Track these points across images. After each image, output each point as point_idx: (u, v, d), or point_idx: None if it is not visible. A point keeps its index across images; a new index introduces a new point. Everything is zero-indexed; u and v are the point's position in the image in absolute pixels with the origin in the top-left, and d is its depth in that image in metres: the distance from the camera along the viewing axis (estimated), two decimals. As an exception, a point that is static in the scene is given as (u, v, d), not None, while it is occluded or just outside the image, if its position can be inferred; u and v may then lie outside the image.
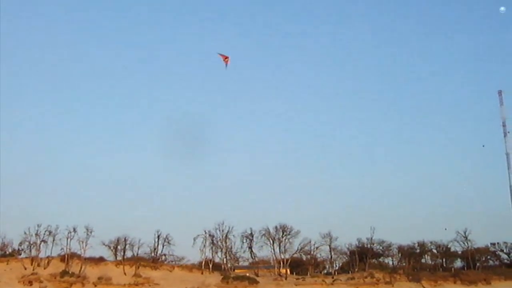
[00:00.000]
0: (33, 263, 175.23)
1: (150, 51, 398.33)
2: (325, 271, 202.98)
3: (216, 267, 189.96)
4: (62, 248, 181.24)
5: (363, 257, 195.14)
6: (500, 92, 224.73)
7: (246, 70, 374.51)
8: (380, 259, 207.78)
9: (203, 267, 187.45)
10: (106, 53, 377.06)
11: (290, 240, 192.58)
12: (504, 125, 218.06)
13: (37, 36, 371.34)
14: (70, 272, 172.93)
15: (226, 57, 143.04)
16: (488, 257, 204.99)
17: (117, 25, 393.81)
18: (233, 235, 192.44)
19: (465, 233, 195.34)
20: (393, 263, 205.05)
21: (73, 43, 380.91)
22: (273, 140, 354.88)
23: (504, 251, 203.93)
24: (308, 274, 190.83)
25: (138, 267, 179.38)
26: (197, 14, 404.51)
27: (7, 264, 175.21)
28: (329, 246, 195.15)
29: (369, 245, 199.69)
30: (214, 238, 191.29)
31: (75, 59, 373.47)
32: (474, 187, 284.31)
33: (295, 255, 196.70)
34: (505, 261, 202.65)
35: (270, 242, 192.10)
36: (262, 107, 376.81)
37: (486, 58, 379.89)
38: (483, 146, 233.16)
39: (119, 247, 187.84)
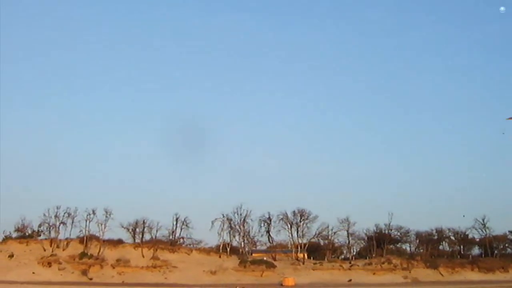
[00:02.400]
0: (52, 244, 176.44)
1: (151, 48, 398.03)
2: (343, 256, 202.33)
3: (234, 251, 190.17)
4: (81, 230, 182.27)
5: (380, 242, 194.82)
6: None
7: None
8: (398, 245, 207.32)
9: (220, 250, 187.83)
10: (106, 52, 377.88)
11: (308, 224, 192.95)
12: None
13: (37, 36, 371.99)
14: (88, 254, 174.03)
15: None
16: (506, 244, 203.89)
17: (117, 24, 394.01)
18: (251, 219, 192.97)
19: (483, 220, 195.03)
20: (410, 249, 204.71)
21: (73, 43, 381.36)
22: (294, 130, 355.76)
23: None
24: (326, 259, 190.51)
25: (156, 250, 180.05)
26: (198, 11, 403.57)
27: (27, 245, 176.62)
28: (347, 231, 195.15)
29: (387, 231, 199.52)
30: (232, 222, 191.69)
31: (75, 58, 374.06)
32: (493, 174, 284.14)
33: (312, 240, 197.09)
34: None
35: (288, 226, 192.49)
36: (281, 98, 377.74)
37: (488, 46, 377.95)
38: (503, 133, 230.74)
39: (137, 229, 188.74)
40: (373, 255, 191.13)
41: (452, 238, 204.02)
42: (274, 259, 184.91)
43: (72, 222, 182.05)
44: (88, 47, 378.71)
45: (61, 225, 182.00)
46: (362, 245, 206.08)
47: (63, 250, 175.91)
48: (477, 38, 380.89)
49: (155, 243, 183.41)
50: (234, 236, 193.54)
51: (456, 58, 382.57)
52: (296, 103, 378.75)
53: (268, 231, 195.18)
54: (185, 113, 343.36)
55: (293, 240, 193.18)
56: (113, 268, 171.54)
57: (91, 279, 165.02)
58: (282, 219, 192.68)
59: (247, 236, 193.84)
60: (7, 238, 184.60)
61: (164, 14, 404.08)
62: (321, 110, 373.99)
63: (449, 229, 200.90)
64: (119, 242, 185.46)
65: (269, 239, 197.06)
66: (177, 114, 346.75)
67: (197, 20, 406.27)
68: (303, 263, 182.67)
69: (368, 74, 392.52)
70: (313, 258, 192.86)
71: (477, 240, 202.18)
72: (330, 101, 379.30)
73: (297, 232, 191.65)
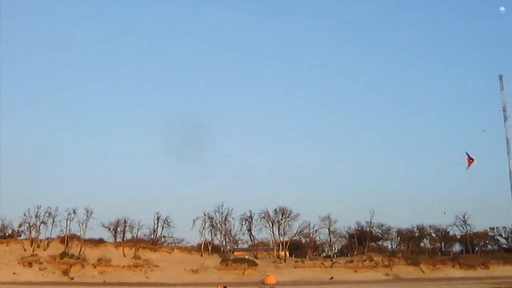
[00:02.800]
0: (33, 244, 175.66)
1: (151, 47, 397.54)
2: (324, 254, 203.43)
3: (215, 249, 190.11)
4: (61, 230, 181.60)
5: (362, 240, 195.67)
6: (501, 77, 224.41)
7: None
8: (379, 243, 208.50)
9: (202, 249, 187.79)
10: (106, 52, 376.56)
11: (290, 223, 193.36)
12: (504, 110, 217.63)
13: (36, 34, 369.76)
14: (69, 254, 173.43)
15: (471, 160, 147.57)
16: (487, 241, 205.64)
17: (117, 24, 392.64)
18: (233, 218, 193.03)
19: (464, 217, 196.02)
20: (392, 247, 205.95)
21: (72, 41, 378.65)
22: (273, 126, 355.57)
23: (503, 235, 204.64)
24: (307, 257, 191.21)
25: (138, 249, 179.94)
26: (199, 9, 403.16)
27: (7, 245, 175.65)
28: (328, 229, 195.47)
29: (368, 229, 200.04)
30: (213, 221, 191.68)
31: (75, 58, 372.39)
32: (473, 171, 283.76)
33: (294, 238, 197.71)
34: (504, 245, 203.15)
35: (269, 224, 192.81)
36: (261, 93, 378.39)
37: (487, 43, 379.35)
38: (483, 130, 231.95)
39: (118, 229, 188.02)
40: (355, 253, 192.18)
41: (433, 235, 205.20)
42: (256, 258, 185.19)
43: (53, 222, 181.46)
44: (87, 46, 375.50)
45: (42, 224, 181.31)
46: (343, 243, 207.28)
47: (44, 250, 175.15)
48: (477, 37, 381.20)
49: (136, 242, 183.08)
50: (215, 235, 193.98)
51: (454, 57, 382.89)
52: (284, 101, 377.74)
53: (249, 230, 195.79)
54: (170, 111, 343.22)
55: (274, 238, 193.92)
56: (95, 267, 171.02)
57: (72, 278, 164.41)
58: (263, 217, 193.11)
59: (229, 235, 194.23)
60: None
61: (163, 13, 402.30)
62: (303, 106, 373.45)
63: (430, 226, 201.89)
64: (100, 241, 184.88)
65: (250, 238, 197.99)
66: (163, 112, 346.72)
67: (197, 19, 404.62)
68: (285, 261, 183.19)
69: (361, 71, 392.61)
70: (295, 256, 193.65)
71: (458, 237, 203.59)
72: (314, 96, 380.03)
73: (279, 230, 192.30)
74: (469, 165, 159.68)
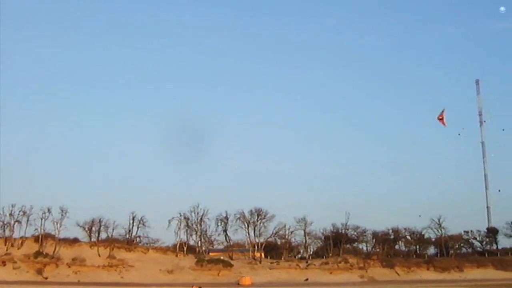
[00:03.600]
0: (7, 243, 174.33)
1: (151, 48, 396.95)
2: (300, 256, 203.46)
3: (191, 250, 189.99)
4: (36, 229, 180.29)
5: (337, 242, 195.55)
6: (477, 81, 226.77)
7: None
8: (355, 245, 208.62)
9: (177, 249, 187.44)
10: (106, 51, 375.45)
11: (265, 224, 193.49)
12: (480, 114, 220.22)
13: (37, 35, 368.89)
14: (44, 253, 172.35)
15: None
16: (461, 244, 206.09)
17: (117, 24, 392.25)
18: (208, 218, 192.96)
19: (439, 220, 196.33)
20: (367, 249, 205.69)
21: (72, 42, 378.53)
22: (253, 129, 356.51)
23: (477, 239, 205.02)
24: (283, 258, 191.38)
25: (113, 249, 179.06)
26: (199, 11, 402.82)
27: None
28: (304, 230, 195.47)
29: (343, 231, 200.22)
30: (189, 221, 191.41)
31: (75, 57, 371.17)
32: (449, 175, 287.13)
33: (269, 239, 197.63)
34: (478, 249, 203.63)
35: (245, 225, 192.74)
36: (243, 94, 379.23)
37: (464, 47, 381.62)
38: (459, 134, 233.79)
39: (93, 228, 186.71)
40: (330, 255, 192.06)
41: (408, 237, 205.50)
42: (231, 259, 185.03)
43: (27, 221, 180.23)
44: (87, 47, 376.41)
45: (16, 223, 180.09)
46: (319, 245, 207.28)
47: (18, 249, 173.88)
48: (476, 37, 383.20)
49: (111, 242, 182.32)
50: (191, 235, 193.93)
51: (451, 58, 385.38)
52: (259, 100, 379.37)
53: (225, 230, 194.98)
54: (156, 111, 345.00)
55: (250, 240, 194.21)
56: (69, 267, 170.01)
57: (46, 278, 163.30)
58: (239, 218, 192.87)
59: (204, 235, 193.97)
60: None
61: (164, 14, 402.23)
62: (282, 109, 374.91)
63: (405, 229, 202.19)
64: (75, 241, 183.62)
65: (226, 239, 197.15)
66: (148, 112, 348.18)
67: (197, 20, 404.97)
68: (260, 262, 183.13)
69: (343, 73, 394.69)
70: (270, 258, 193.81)
71: (433, 239, 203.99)
72: (294, 99, 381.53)
73: (254, 231, 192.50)
74: (442, 122, 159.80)
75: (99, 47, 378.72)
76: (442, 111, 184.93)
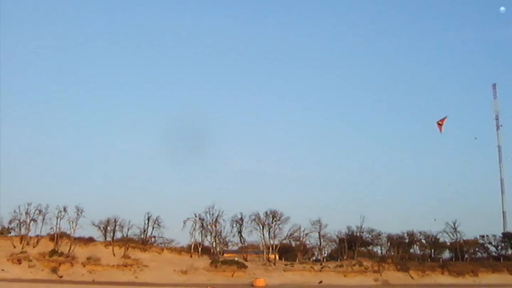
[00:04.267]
0: (22, 241, 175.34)
1: (151, 48, 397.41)
2: (314, 258, 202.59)
3: (205, 250, 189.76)
4: (51, 228, 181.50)
5: (352, 245, 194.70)
6: (494, 86, 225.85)
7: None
8: (369, 248, 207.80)
9: (192, 250, 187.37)
10: (106, 50, 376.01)
11: (280, 226, 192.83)
12: (497, 118, 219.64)
13: (37, 35, 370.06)
14: (59, 252, 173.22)
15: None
16: (477, 249, 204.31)
17: (117, 24, 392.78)
18: (223, 219, 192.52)
19: (454, 224, 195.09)
20: (381, 252, 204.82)
21: (73, 41, 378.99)
22: (267, 131, 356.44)
23: (493, 243, 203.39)
24: (297, 260, 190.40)
25: (127, 249, 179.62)
26: (199, 11, 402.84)
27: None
28: (319, 233, 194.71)
29: (358, 233, 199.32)
30: (204, 222, 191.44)
31: (76, 56, 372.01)
32: (465, 179, 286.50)
33: (284, 241, 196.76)
34: (493, 253, 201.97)
35: (259, 227, 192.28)
36: (257, 97, 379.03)
37: (481, 52, 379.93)
38: (475, 138, 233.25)
39: (109, 228, 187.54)
40: (344, 257, 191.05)
41: (423, 241, 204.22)
42: (246, 260, 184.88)
43: (43, 219, 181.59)
44: (87, 46, 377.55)
45: (32, 222, 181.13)
46: (333, 247, 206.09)
47: (33, 247, 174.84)
48: (472, 46, 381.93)
49: (126, 241, 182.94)
50: (205, 236, 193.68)
51: (449, 65, 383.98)
52: (278, 102, 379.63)
53: (240, 232, 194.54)
54: (167, 113, 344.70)
55: (264, 241, 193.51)
56: (84, 266, 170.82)
57: (61, 277, 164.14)
58: (254, 220, 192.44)
59: (219, 236, 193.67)
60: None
61: (164, 15, 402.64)
62: (296, 111, 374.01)
63: (420, 233, 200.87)
64: (90, 240, 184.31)
65: (240, 240, 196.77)
66: (159, 114, 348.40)
67: (197, 22, 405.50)
68: (274, 264, 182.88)
69: (357, 77, 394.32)
70: (285, 260, 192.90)
71: (448, 244, 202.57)
72: (307, 102, 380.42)
73: (269, 233, 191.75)
74: (440, 127, 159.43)
75: (100, 48, 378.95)
76: (444, 118, 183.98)
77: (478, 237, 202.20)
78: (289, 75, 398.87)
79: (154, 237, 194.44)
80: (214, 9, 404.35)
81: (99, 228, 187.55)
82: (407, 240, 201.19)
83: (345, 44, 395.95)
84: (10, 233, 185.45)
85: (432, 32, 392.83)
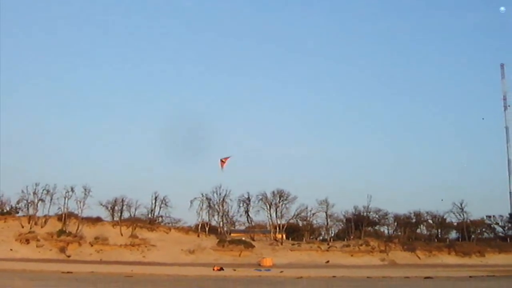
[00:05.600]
0: (30, 221, 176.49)
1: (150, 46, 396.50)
2: (321, 238, 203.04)
3: (212, 230, 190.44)
4: (59, 208, 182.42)
5: (359, 225, 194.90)
6: (502, 66, 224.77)
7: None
8: (376, 228, 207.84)
9: (199, 230, 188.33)
10: (106, 49, 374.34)
11: (287, 205, 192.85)
12: (504, 99, 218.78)
13: (37, 32, 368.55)
14: (67, 232, 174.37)
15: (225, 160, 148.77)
16: (483, 229, 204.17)
17: (119, 23, 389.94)
18: (230, 199, 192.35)
19: (461, 204, 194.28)
20: (388, 232, 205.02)
21: (73, 40, 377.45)
22: (275, 110, 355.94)
23: (499, 224, 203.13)
24: (304, 240, 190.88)
25: (135, 228, 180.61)
26: (198, 11, 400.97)
27: (5, 222, 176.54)
28: (326, 213, 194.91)
29: (365, 213, 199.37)
30: (211, 202, 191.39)
31: (76, 55, 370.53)
32: (472, 159, 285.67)
33: (291, 221, 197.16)
34: (500, 234, 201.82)
35: (266, 207, 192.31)
36: (265, 79, 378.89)
37: (488, 31, 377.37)
38: (483, 119, 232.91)
39: (116, 207, 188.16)
40: (351, 237, 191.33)
41: (430, 221, 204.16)
42: (253, 240, 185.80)
43: (51, 199, 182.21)
44: (88, 45, 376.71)
45: (40, 202, 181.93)
46: (340, 227, 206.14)
47: (41, 227, 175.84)
48: (477, 25, 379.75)
49: (133, 221, 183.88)
50: (213, 216, 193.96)
51: (454, 45, 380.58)
52: (280, 83, 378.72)
53: (247, 211, 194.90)
54: (172, 93, 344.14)
55: (271, 221, 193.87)
56: (91, 246, 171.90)
57: (69, 256, 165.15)
58: (261, 199, 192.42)
59: (226, 216, 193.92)
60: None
61: (164, 10, 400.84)
62: (302, 91, 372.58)
63: (427, 213, 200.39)
64: (98, 220, 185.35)
65: (248, 219, 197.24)
66: (165, 100, 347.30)
67: (197, 15, 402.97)
68: (281, 244, 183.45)
69: (358, 57, 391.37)
70: (292, 239, 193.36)
71: (455, 224, 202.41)
72: (312, 81, 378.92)
73: (276, 213, 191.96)
74: (222, 165, 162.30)
75: (100, 46, 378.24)
76: (228, 157, 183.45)
77: (485, 217, 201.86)
78: (292, 59, 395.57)
79: (161, 216, 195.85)
80: (215, 8, 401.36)
81: (107, 208, 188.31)
82: (414, 220, 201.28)
83: (348, 27, 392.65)
84: (18, 213, 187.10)
85: (439, 12, 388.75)
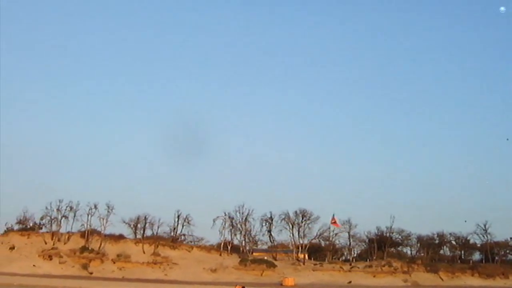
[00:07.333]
0: (54, 238, 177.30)
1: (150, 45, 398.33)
2: (343, 258, 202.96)
3: (235, 249, 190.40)
4: (82, 224, 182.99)
5: (381, 245, 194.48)
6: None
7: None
8: (399, 248, 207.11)
9: (221, 248, 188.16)
10: (106, 49, 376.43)
11: (310, 225, 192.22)
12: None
13: (36, 31, 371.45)
14: (89, 248, 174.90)
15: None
16: (507, 251, 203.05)
17: (119, 21, 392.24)
18: (253, 218, 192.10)
19: (485, 226, 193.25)
20: (411, 253, 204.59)
21: (73, 39, 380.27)
22: (297, 129, 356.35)
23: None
24: (326, 260, 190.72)
25: (157, 246, 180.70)
26: (202, 9, 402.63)
27: (28, 238, 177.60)
28: (348, 233, 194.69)
29: (388, 234, 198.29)
30: (233, 220, 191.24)
31: (76, 55, 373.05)
32: (496, 180, 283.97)
33: (313, 241, 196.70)
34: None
35: (289, 226, 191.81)
36: (285, 96, 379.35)
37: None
38: (507, 139, 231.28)
39: (139, 225, 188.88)
40: (374, 258, 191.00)
41: (453, 242, 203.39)
42: (275, 259, 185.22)
43: (74, 216, 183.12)
44: (89, 43, 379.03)
45: (63, 218, 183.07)
46: (363, 247, 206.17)
47: (64, 243, 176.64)
48: (477, 37, 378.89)
49: (156, 239, 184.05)
50: (235, 235, 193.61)
51: (458, 59, 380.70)
52: (301, 102, 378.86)
53: (269, 231, 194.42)
54: (187, 110, 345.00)
55: (294, 241, 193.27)
56: (114, 263, 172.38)
57: (91, 273, 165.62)
58: (283, 219, 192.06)
59: (248, 235, 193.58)
60: (8, 230, 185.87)
61: (166, 10, 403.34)
62: (323, 110, 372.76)
63: (450, 234, 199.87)
64: (120, 237, 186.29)
65: (270, 239, 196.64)
66: (179, 111, 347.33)
67: (200, 17, 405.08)
68: (304, 264, 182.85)
69: (372, 75, 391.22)
70: (314, 259, 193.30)
71: (478, 245, 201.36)
72: (333, 101, 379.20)
73: (299, 232, 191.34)
74: (332, 223, 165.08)
75: (100, 45, 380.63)
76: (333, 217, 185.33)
77: (509, 239, 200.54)
78: (305, 70, 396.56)
79: (184, 235, 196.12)
80: (218, 5, 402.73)
81: (129, 225, 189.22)
82: (437, 241, 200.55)
83: (355, 39, 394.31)
84: (41, 229, 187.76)
85: (440, 26, 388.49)
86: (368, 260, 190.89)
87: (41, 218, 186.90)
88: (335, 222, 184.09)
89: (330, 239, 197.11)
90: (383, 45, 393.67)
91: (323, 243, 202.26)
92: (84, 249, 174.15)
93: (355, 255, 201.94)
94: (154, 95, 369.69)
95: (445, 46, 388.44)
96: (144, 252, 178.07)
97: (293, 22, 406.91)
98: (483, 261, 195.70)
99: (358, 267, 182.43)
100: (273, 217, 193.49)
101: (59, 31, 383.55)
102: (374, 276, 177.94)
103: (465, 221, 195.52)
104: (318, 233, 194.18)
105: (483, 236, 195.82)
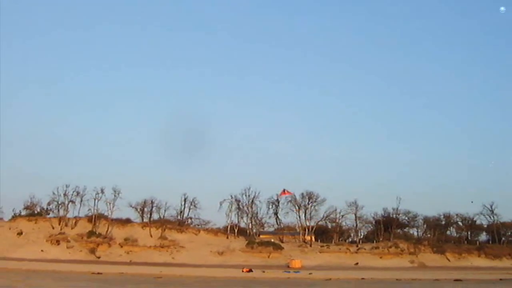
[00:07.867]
0: (61, 223, 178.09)
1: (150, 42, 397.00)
2: (350, 240, 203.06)
3: (241, 232, 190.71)
4: (89, 209, 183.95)
5: (388, 227, 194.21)
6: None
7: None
8: (405, 230, 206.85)
9: (228, 231, 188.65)
10: (106, 49, 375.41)
11: (316, 207, 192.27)
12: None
13: (36, 30, 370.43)
14: (97, 233, 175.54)
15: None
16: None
17: (120, 21, 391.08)
18: (259, 201, 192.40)
19: (491, 206, 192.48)
20: (418, 234, 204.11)
21: (73, 38, 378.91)
22: (303, 113, 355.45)
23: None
24: (333, 242, 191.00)
25: (164, 230, 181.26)
26: (198, 10, 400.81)
27: (35, 223, 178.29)
28: (355, 214, 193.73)
29: (394, 215, 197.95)
30: (240, 203, 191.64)
31: (76, 54, 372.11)
32: (502, 160, 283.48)
33: (320, 223, 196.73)
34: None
35: (296, 208, 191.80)
36: (290, 83, 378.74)
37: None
38: (472, 202, 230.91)
39: (145, 209, 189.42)
40: (380, 239, 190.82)
41: (460, 223, 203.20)
42: (282, 241, 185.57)
43: (81, 201, 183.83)
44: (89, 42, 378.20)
45: (70, 203, 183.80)
46: (369, 229, 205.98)
47: (72, 228, 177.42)
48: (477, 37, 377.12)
49: (163, 223, 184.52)
50: (242, 217, 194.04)
51: (460, 51, 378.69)
52: (305, 88, 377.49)
53: (276, 213, 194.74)
54: (192, 94, 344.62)
55: (300, 223, 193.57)
56: (121, 247, 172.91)
57: (99, 257, 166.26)
58: (290, 201, 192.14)
59: (255, 218, 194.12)
60: (16, 216, 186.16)
61: (166, 7, 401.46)
62: (328, 95, 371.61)
63: (457, 215, 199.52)
64: (127, 221, 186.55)
65: (277, 221, 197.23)
66: (182, 97, 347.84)
67: (201, 12, 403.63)
68: (311, 246, 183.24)
69: (375, 61, 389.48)
70: (321, 241, 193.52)
71: (485, 226, 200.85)
72: (338, 86, 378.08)
73: (305, 214, 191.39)
74: (282, 194, 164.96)
75: (100, 44, 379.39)
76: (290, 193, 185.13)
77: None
78: (303, 59, 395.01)
79: (191, 218, 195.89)
80: (215, 6, 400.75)
81: (136, 209, 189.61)
82: (443, 222, 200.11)
83: (358, 28, 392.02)
84: (48, 214, 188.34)
85: (448, 14, 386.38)
86: (374, 241, 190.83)
87: (48, 204, 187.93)
88: (284, 191, 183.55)
89: (337, 221, 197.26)
90: (382, 40, 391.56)
91: (329, 225, 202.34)
92: (91, 233, 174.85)
93: (361, 236, 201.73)
94: (160, 84, 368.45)
95: (445, 46, 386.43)
96: (151, 236, 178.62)
97: (294, 11, 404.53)
98: (490, 242, 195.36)
99: (365, 249, 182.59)
100: (279, 199, 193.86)
101: (62, 19, 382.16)
102: (380, 258, 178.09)
103: (472, 202, 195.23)
104: (325, 215, 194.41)
105: (490, 217, 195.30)
